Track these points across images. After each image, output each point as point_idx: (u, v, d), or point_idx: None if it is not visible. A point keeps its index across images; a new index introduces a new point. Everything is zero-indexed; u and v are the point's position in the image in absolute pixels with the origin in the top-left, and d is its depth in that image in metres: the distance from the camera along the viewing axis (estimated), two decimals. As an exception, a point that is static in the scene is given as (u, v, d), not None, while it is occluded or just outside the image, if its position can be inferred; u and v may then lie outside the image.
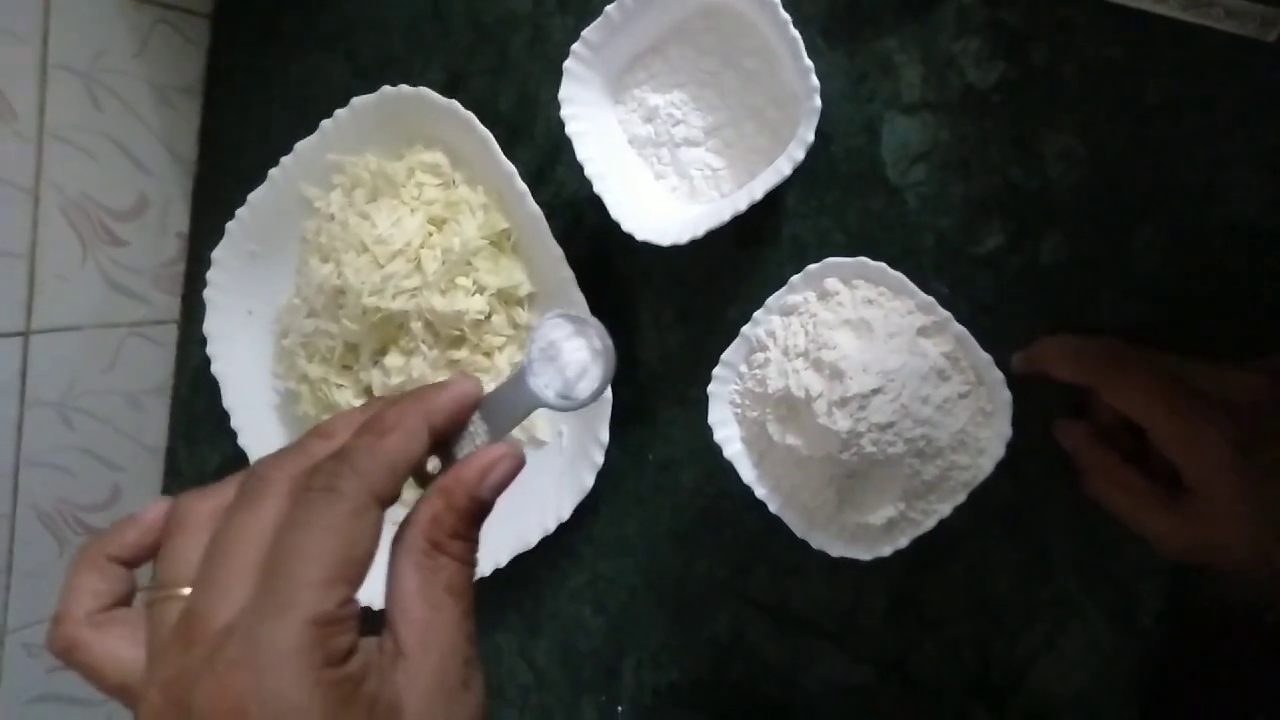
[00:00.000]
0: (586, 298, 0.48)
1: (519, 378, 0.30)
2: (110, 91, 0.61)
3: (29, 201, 0.58)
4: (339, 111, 0.54)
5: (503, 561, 0.51)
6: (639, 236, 0.45)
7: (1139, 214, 0.40)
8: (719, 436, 0.45)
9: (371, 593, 0.24)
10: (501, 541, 0.51)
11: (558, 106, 0.46)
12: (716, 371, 0.46)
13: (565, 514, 0.50)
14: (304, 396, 0.57)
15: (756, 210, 0.43)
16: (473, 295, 0.51)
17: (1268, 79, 0.38)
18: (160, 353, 0.68)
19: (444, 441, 0.28)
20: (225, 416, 0.60)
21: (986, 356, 0.41)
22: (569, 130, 0.46)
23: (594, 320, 0.31)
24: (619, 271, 0.51)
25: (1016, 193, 0.42)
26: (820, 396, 0.41)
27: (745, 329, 0.45)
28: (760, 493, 0.45)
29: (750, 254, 0.48)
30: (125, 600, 0.29)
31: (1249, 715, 0.39)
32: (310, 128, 0.55)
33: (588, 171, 0.46)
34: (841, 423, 0.40)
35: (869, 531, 0.43)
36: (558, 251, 0.49)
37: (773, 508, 0.44)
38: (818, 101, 0.41)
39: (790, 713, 0.49)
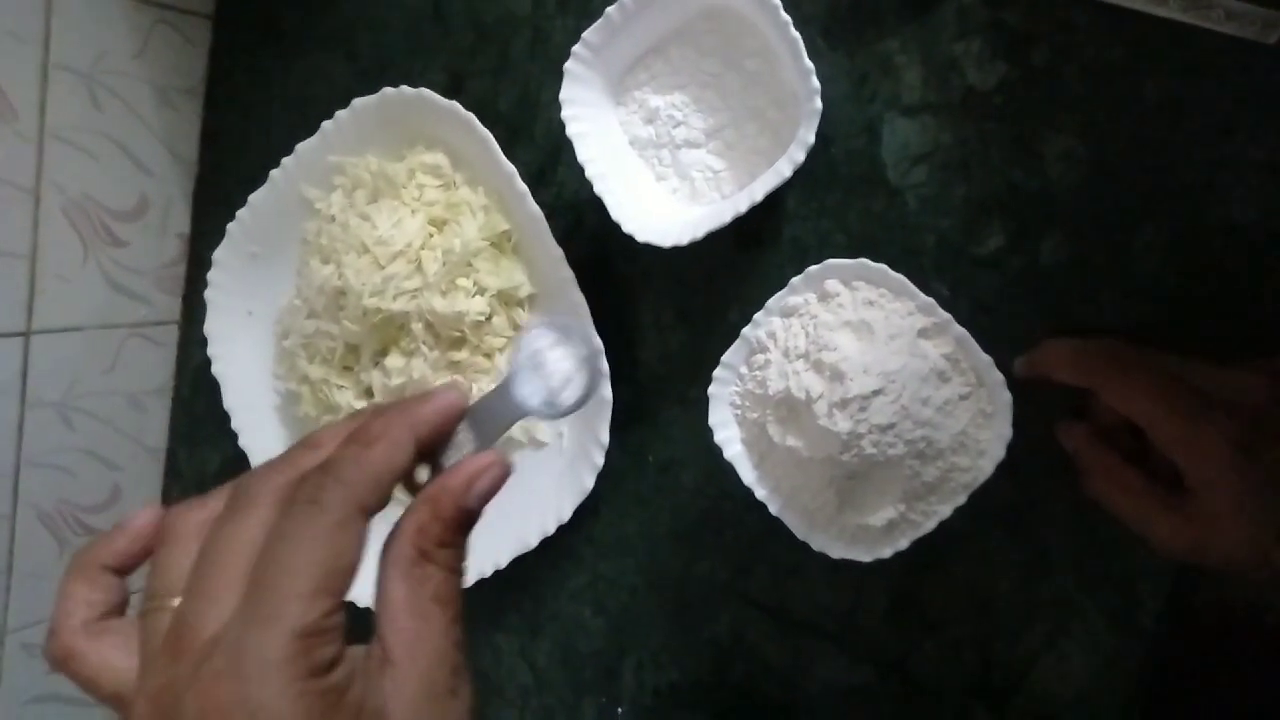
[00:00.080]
0: (587, 299, 0.48)
1: (504, 388, 0.30)
2: (111, 92, 0.61)
3: (30, 202, 0.58)
4: (340, 112, 0.54)
5: (503, 562, 0.51)
6: (640, 238, 0.45)
7: (1139, 214, 0.40)
8: (719, 438, 0.45)
9: (361, 592, 0.25)
10: (502, 542, 0.51)
11: (558, 108, 0.46)
12: (717, 373, 0.46)
13: (565, 515, 0.50)
14: (305, 397, 0.57)
15: (757, 212, 0.43)
16: (473, 296, 0.51)
17: (1268, 81, 0.38)
18: (161, 353, 0.68)
19: (432, 451, 0.29)
20: (226, 417, 0.60)
21: (987, 358, 0.41)
22: (570, 131, 0.46)
23: (580, 327, 0.31)
24: (619, 273, 0.51)
25: (1017, 193, 0.42)
26: (821, 398, 0.41)
27: (746, 330, 0.45)
28: (761, 494, 0.45)
29: (751, 255, 0.48)
30: (119, 608, 0.30)
31: (1249, 715, 0.39)
32: (311, 129, 0.55)
33: (588, 173, 0.46)
34: (842, 424, 0.40)
35: (869, 533, 0.43)
36: (558, 253, 0.49)
37: (773, 509, 0.44)
38: (818, 103, 0.41)
39: (791, 713, 0.49)
